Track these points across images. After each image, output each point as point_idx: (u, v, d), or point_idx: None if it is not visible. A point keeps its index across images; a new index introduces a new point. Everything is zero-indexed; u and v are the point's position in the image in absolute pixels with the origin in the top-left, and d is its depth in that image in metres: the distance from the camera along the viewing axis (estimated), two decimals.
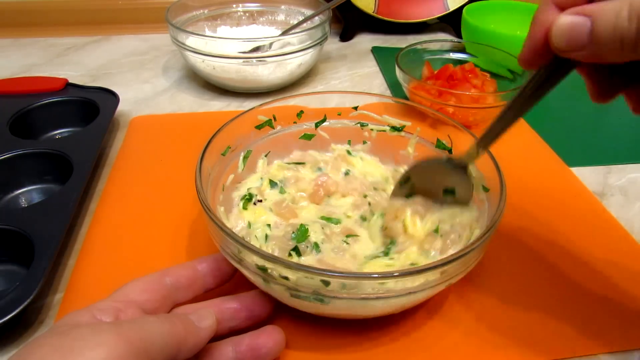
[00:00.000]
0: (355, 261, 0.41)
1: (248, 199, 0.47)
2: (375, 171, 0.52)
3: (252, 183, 0.49)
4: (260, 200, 0.47)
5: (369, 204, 0.47)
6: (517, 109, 0.34)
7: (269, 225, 0.44)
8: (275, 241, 0.42)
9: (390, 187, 0.49)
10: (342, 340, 0.39)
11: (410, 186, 0.44)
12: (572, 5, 0.27)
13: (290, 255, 0.41)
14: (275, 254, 0.41)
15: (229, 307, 0.37)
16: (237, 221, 0.45)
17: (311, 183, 0.49)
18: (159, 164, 0.58)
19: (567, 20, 0.26)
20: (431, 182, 0.43)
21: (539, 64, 0.30)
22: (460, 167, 0.41)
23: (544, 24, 0.28)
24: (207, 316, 0.33)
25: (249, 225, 0.45)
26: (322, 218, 0.46)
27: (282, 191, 0.49)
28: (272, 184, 0.49)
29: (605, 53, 0.25)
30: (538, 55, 0.29)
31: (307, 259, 0.41)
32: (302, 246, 0.42)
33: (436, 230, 0.42)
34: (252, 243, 0.39)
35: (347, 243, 0.43)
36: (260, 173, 0.51)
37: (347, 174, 0.51)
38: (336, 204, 0.48)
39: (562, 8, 0.27)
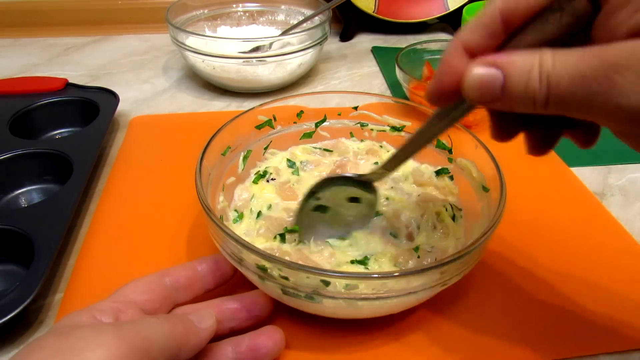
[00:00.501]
0: (333, 260, 0.41)
1: (262, 175, 0.49)
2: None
3: (274, 162, 0.51)
4: (274, 179, 0.49)
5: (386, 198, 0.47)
6: (424, 138, 0.36)
7: (270, 206, 0.46)
8: (266, 221, 0.43)
9: (409, 185, 0.49)
10: (342, 340, 0.39)
11: (316, 199, 0.43)
12: (482, 51, 0.27)
13: (275, 238, 0.42)
14: (261, 232, 0.43)
15: (229, 307, 0.37)
16: (242, 191, 0.47)
17: (331, 166, 0.50)
18: (159, 164, 0.58)
19: (479, 73, 0.25)
20: (338, 196, 0.43)
21: (445, 104, 0.30)
22: (367, 182, 0.42)
23: (453, 70, 0.28)
24: (207, 317, 0.33)
25: (252, 197, 0.46)
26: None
27: (296, 172, 0.50)
28: (290, 163, 0.51)
29: (517, 107, 0.25)
30: (445, 97, 0.29)
31: (288, 247, 0.42)
32: (288, 235, 0.43)
33: (415, 249, 0.42)
34: (245, 214, 0.45)
35: (333, 239, 0.43)
36: (286, 153, 0.52)
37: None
38: None
39: (471, 53, 0.27)
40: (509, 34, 0.27)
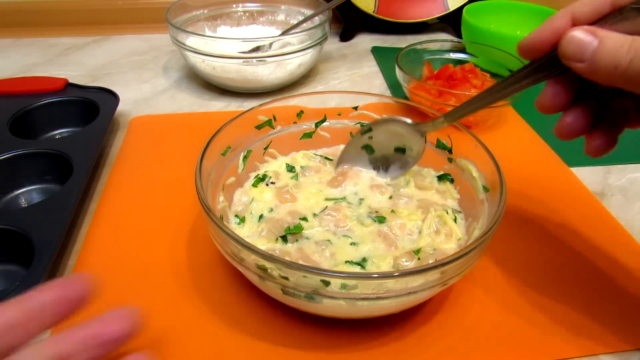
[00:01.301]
0: (332, 261, 0.41)
1: (261, 178, 0.49)
2: None
3: (274, 166, 0.51)
4: (274, 183, 0.49)
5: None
6: (495, 93, 0.39)
7: (271, 209, 0.46)
8: (268, 223, 0.44)
9: (411, 189, 0.49)
10: (342, 340, 0.39)
11: (368, 138, 0.49)
12: (585, 23, 0.32)
13: (276, 240, 0.43)
14: (263, 234, 0.43)
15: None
16: (242, 195, 0.48)
17: (332, 174, 0.51)
18: (159, 164, 0.58)
19: (579, 34, 0.30)
20: (388, 138, 0.48)
21: (533, 57, 0.34)
22: (420, 132, 0.47)
23: (555, 28, 0.32)
24: None
25: (251, 201, 0.46)
26: (327, 199, 0.47)
27: (295, 177, 0.50)
28: (289, 167, 0.51)
29: (599, 70, 0.30)
30: (537, 49, 0.34)
31: (289, 246, 0.42)
32: (290, 236, 0.43)
33: (417, 252, 0.42)
34: (246, 217, 0.45)
35: (335, 238, 0.43)
36: (287, 158, 0.52)
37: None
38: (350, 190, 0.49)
39: (576, 21, 0.32)
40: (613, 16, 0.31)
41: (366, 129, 0.49)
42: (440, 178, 0.50)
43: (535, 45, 0.34)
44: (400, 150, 0.49)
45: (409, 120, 0.47)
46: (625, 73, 0.29)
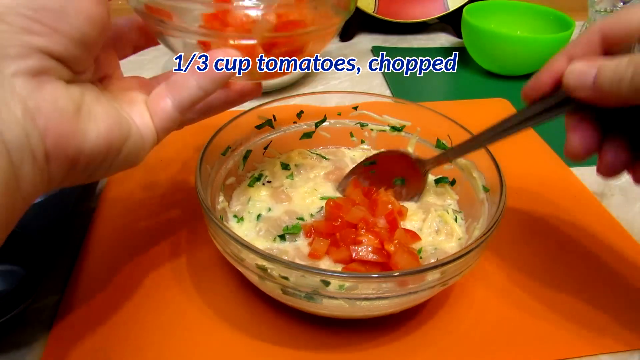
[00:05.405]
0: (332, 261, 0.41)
1: (257, 178, 0.49)
2: None
3: (269, 165, 0.51)
4: (270, 182, 0.49)
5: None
6: (498, 132, 0.39)
7: (269, 208, 0.46)
8: (266, 223, 0.44)
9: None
10: (342, 340, 0.39)
11: (370, 163, 0.50)
12: (581, 58, 0.33)
13: (274, 240, 0.43)
14: (261, 234, 0.43)
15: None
16: (239, 195, 0.48)
17: (329, 167, 0.51)
18: (159, 164, 0.58)
19: (579, 66, 0.32)
20: (391, 168, 0.49)
21: (536, 97, 0.36)
22: (423, 166, 0.47)
23: (554, 70, 0.34)
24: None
25: (248, 200, 0.47)
26: (322, 198, 0.47)
27: (290, 177, 0.50)
28: (284, 165, 0.51)
29: (604, 90, 0.31)
30: (539, 91, 0.35)
31: (286, 245, 0.42)
32: (288, 235, 0.43)
33: (418, 251, 0.42)
34: (244, 217, 0.45)
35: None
36: (282, 157, 0.52)
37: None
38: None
39: (572, 59, 0.34)
40: (606, 51, 0.33)
41: (371, 161, 0.50)
42: (438, 182, 0.50)
43: (538, 87, 0.35)
44: (400, 180, 0.49)
45: (412, 155, 0.48)
46: (631, 86, 0.29)
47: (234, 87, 0.37)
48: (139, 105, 0.33)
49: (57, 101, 0.26)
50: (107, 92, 0.33)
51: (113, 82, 0.35)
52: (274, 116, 0.51)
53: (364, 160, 0.50)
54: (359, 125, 0.53)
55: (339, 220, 0.42)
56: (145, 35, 0.38)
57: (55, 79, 0.27)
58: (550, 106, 0.35)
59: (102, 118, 0.29)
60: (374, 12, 0.93)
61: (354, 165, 0.50)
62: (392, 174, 0.49)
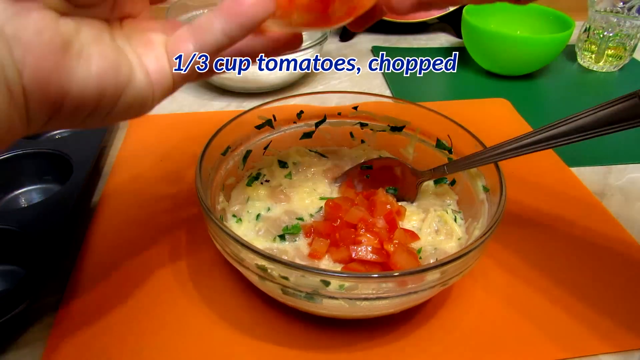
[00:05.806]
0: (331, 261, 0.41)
1: (255, 177, 0.49)
2: None
3: (267, 164, 0.51)
4: (268, 181, 0.49)
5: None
6: (494, 155, 0.41)
7: (268, 208, 0.46)
8: (265, 222, 0.44)
9: None
10: (342, 340, 0.39)
11: (367, 169, 0.50)
12: None
13: (274, 240, 0.43)
14: (261, 234, 0.43)
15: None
16: (238, 195, 0.48)
17: (328, 164, 0.51)
18: (158, 164, 0.58)
19: None
20: (385, 175, 0.49)
21: None
22: (417, 177, 0.48)
23: None
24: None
25: (247, 200, 0.47)
26: (321, 198, 0.47)
27: (288, 176, 0.50)
28: (282, 163, 0.50)
29: None
30: None
31: (286, 245, 0.42)
32: (288, 235, 0.43)
33: (418, 251, 0.42)
34: (243, 217, 0.45)
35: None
36: (279, 154, 0.52)
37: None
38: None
39: None
40: None
41: (367, 165, 0.51)
42: (437, 182, 0.50)
43: None
44: (392, 189, 0.49)
45: (409, 165, 0.49)
46: None
47: (269, 35, 0.31)
48: (156, 48, 0.29)
49: (41, 32, 0.23)
50: (121, 33, 0.29)
51: (134, 23, 0.30)
52: (274, 116, 0.51)
53: (361, 163, 0.51)
54: (359, 125, 0.53)
55: (339, 220, 0.42)
56: None
57: (43, 8, 0.23)
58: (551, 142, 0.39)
59: (96, 59, 0.25)
60: None
61: (352, 166, 0.50)
62: (385, 182, 0.49)
